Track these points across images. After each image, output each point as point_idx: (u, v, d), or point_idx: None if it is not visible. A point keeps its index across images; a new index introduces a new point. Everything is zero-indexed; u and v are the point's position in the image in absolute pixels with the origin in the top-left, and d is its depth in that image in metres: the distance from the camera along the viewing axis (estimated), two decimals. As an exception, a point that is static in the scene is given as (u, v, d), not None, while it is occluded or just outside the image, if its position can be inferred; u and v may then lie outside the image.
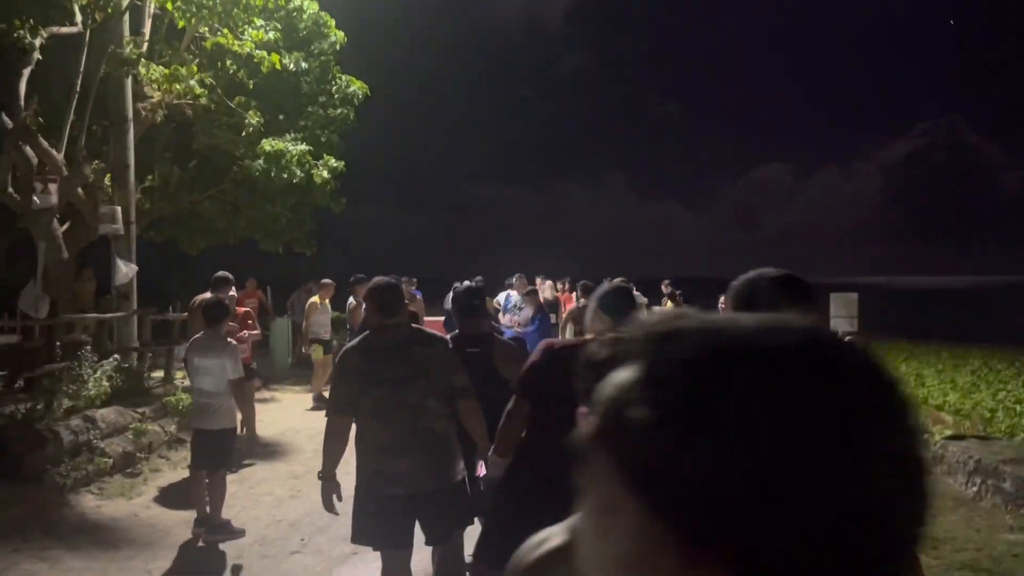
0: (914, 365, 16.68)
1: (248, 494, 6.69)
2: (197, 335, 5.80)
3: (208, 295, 7.06)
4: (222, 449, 5.67)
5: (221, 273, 7.24)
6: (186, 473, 6.29)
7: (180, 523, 5.82)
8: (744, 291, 2.12)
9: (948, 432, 8.37)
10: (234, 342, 5.79)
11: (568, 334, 10.91)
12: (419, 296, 11.99)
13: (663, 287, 13.87)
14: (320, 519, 5.97)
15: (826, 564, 0.45)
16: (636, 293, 3.39)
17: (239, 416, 6.13)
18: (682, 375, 0.50)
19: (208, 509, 5.60)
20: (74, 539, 5.44)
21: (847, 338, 0.55)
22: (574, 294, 12.84)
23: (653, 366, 0.51)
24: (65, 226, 11.54)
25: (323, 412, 4.11)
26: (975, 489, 6.46)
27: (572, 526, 0.64)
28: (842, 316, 7.43)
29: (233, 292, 7.49)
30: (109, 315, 10.00)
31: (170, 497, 6.51)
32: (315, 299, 11.61)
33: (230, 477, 7.04)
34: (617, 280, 3.35)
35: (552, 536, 0.80)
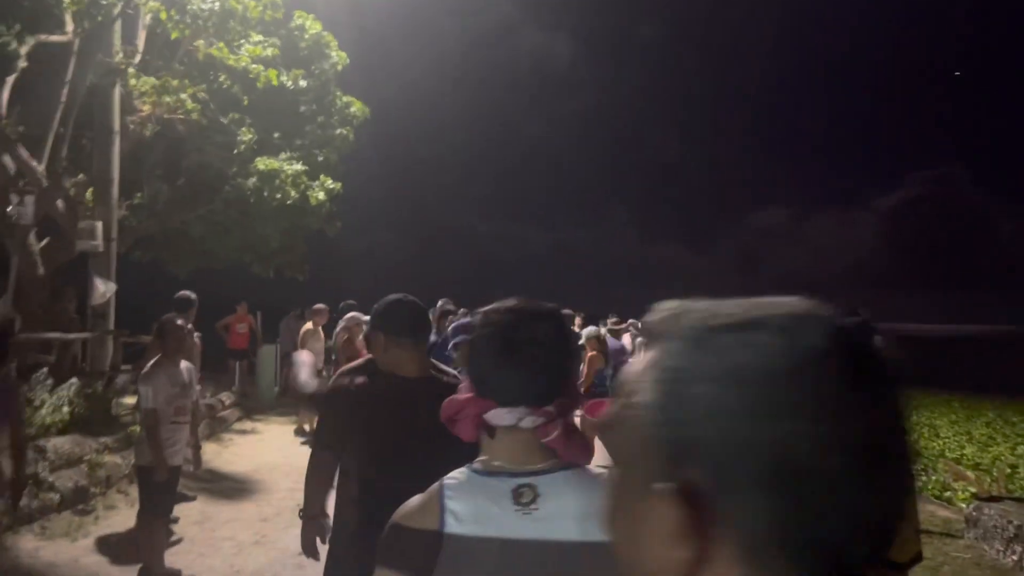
0: (926, 415, 16.02)
1: (208, 538, 6.03)
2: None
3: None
4: (144, 489, 5.05)
5: (183, 293, 6.73)
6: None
7: (123, 572, 5.17)
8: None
9: (972, 489, 7.73)
10: (147, 368, 5.17)
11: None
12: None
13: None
14: (283, 571, 5.34)
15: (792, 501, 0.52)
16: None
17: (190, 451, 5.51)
18: (673, 344, 0.59)
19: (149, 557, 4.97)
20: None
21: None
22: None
23: (660, 342, 0.61)
24: (44, 241, 11.03)
25: (307, 447, 3.65)
26: (1015, 558, 5.82)
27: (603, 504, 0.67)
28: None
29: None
30: (73, 335, 9.40)
31: (120, 540, 5.84)
32: (309, 325, 11.04)
33: (190, 517, 6.44)
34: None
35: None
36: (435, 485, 1.42)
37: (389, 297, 2.70)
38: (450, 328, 4.92)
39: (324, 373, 10.72)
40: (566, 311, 10.22)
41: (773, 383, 0.54)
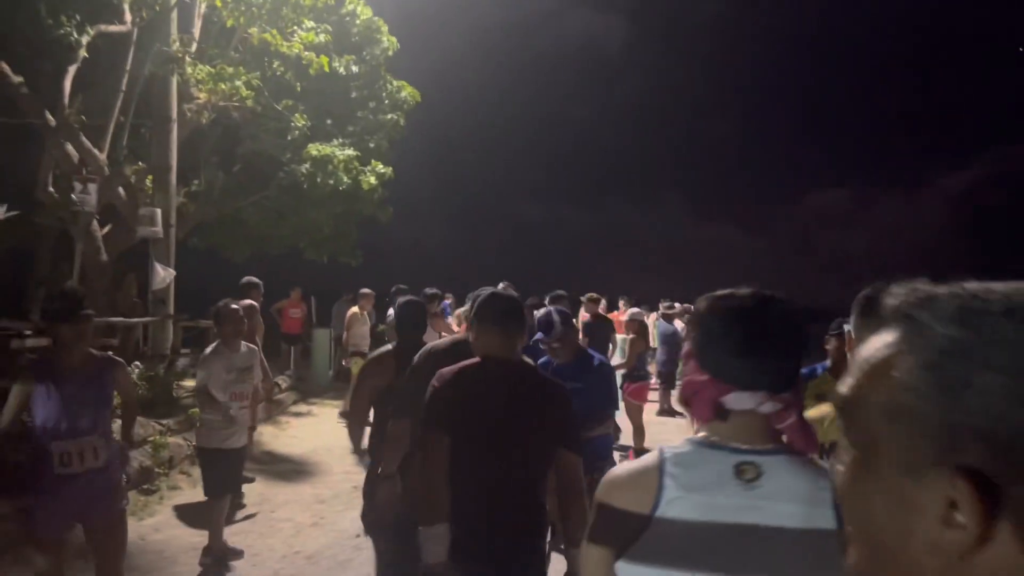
0: None
1: (267, 519, 6.13)
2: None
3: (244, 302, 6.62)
4: (207, 470, 5.22)
5: (247, 279, 6.85)
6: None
7: (189, 550, 5.27)
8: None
9: None
10: (205, 354, 5.31)
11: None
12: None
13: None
14: (341, 552, 5.40)
15: None
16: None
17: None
18: (942, 328, 0.58)
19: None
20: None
21: None
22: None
23: (916, 324, 0.60)
24: (106, 228, 11.31)
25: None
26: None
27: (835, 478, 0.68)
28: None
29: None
30: (135, 320, 9.63)
31: (184, 519, 5.99)
32: (355, 310, 11.16)
33: (250, 498, 6.55)
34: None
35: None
36: (653, 455, 1.43)
37: (487, 290, 3.05)
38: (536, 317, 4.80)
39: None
40: (592, 295, 10.03)
41: None
